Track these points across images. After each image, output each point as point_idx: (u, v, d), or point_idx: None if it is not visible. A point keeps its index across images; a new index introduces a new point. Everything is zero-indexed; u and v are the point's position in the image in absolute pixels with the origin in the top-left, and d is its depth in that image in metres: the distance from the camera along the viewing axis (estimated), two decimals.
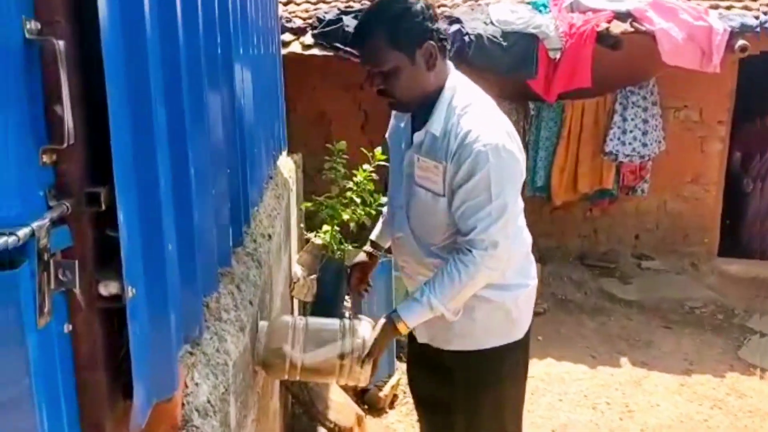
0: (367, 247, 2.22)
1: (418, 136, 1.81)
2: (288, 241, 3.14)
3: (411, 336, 2.26)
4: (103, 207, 0.85)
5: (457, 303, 1.79)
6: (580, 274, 5.23)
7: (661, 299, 4.82)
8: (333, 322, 1.87)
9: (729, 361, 3.92)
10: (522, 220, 1.93)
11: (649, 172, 4.99)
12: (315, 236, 3.86)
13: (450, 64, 1.84)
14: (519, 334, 1.95)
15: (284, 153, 3.50)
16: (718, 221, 5.44)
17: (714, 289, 4.97)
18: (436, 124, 1.75)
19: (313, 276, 3.47)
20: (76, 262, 0.80)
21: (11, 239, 0.67)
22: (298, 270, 3.54)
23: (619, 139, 4.78)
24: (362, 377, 1.75)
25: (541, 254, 4.90)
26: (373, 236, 2.23)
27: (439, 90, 1.77)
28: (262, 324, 1.79)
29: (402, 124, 1.96)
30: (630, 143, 4.77)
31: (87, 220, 0.86)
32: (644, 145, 4.78)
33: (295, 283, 3.41)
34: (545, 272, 4.76)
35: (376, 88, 1.78)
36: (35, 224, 0.72)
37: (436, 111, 1.76)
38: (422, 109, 1.80)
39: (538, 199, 5.13)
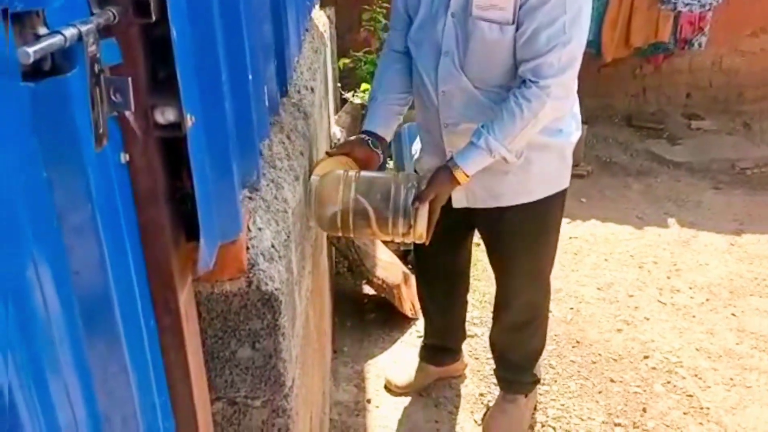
0: (364, 136, 1.85)
1: None
2: (326, 99, 3.01)
3: None
4: (153, 18, 0.74)
5: (519, 143, 1.68)
6: (627, 136, 5.03)
7: (711, 160, 4.63)
8: (386, 174, 1.77)
9: None
10: None
11: (708, 23, 4.62)
12: (353, 96, 3.70)
13: None
14: (567, 183, 1.93)
15: (317, 6, 3.29)
16: None
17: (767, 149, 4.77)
18: None
19: (353, 137, 3.36)
20: (129, 79, 0.70)
21: (57, 39, 0.56)
22: (337, 131, 3.43)
23: None
24: (418, 226, 1.64)
25: (586, 115, 4.68)
26: (371, 126, 1.87)
27: None
28: (314, 177, 1.71)
29: None
30: None
31: (136, 34, 0.75)
32: None
33: (335, 144, 3.32)
34: (589, 134, 4.56)
35: None
36: (81, 27, 0.61)
37: None
38: None
39: (585, 55, 4.79)
